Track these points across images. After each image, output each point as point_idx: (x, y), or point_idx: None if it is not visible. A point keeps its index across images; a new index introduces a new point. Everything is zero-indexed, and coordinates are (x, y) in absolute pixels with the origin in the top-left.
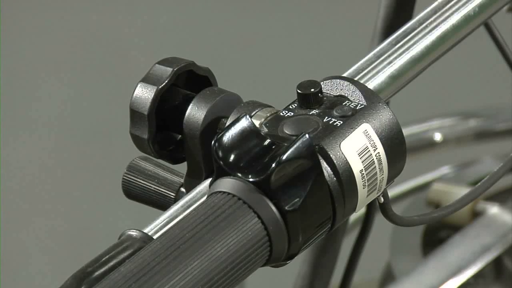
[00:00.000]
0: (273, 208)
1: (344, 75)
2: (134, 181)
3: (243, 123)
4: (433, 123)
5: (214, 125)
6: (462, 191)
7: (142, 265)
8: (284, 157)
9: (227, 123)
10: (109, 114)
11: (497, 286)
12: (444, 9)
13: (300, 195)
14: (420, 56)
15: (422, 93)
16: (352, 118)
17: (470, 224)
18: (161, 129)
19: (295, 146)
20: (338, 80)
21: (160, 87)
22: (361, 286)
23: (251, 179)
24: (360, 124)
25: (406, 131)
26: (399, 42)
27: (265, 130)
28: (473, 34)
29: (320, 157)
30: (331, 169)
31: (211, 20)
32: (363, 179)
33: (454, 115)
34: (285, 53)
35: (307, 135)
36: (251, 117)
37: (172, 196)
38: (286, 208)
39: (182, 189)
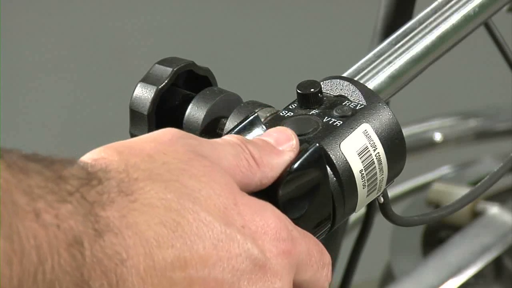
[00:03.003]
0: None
1: (344, 75)
2: None
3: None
4: (433, 123)
5: (214, 125)
6: (462, 191)
7: None
8: (295, 167)
9: (227, 122)
10: (109, 114)
11: (497, 286)
12: (444, 9)
13: (305, 205)
14: (420, 56)
15: (422, 93)
16: (352, 118)
17: (470, 224)
18: (161, 129)
19: (306, 156)
20: (338, 80)
21: (160, 87)
22: (361, 286)
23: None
24: (360, 124)
25: (406, 131)
26: (399, 42)
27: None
28: (473, 34)
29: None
30: (331, 169)
31: (211, 20)
32: (363, 179)
33: (454, 115)
34: (285, 53)
35: (317, 144)
36: (266, 124)
37: None
38: (290, 217)
39: None
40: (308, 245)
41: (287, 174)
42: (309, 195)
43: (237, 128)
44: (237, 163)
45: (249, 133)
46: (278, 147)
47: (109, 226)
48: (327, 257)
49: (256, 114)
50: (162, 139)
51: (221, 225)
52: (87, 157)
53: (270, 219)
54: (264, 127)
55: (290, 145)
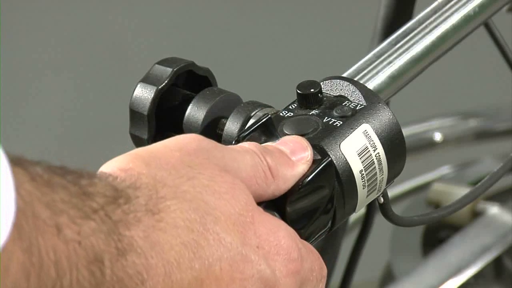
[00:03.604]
0: (277, 216)
1: (344, 75)
2: None
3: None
4: (433, 123)
5: (214, 125)
6: (462, 191)
7: None
8: (307, 181)
9: (227, 122)
10: (109, 114)
11: (497, 286)
12: (444, 9)
13: (310, 217)
14: (420, 56)
15: (422, 93)
16: (352, 118)
17: (470, 224)
18: (161, 129)
19: (318, 171)
20: (338, 80)
21: (160, 87)
22: (361, 286)
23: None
24: (360, 124)
25: (406, 131)
26: (399, 42)
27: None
28: (473, 34)
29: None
30: None
31: (211, 20)
32: (363, 180)
33: (454, 115)
34: (285, 53)
35: (331, 158)
36: (250, 117)
37: None
38: (295, 227)
39: None
40: (312, 261)
41: (298, 188)
42: (316, 207)
43: (251, 131)
44: (254, 174)
45: (263, 137)
46: (293, 157)
47: (133, 246)
48: (325, 271)
49: (269, 116)
50: (187, 149)
51: (238, 245)
52: (114, 166)
53: (283, 239)
54: (277, 132)
55: (305, 156)
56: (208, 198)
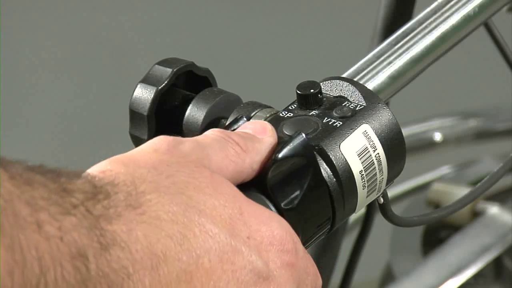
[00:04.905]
0: (271, 207)
1: (344, 75)
2: None
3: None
4: (433, 123)
5: (213, 126)
6: (462, 191)
7: None
8: (280, 155)
9: (227, 124)
10: (109, 115)
11: (497, 286)
12: (444, 9)
13: (297, 193)
14: (419, 56)
15: (422, 93)
16: (351, 118)
17: (470, 224)
18: (161, 129)
19: (290, 144)
20: (338, 80)
21: (159, 87)
22: (361, 286)
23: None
24: (360, 125)
25: (406, 131)
26: (399, 42)
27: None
28: (473, 34)
29: (319, 158)
30: (330, 169)
31: (211, 20)
32: (363, 180)
33: (454, 115)
34: (285, 53)
35: (303, 134)
36: (250, 118)
37: None
38: (283, 206)
39: None
40: (307, 264)
41: (273, 161)
42: (300, 181)
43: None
44: (225, 154)
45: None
46: (257, 136)
47: (116, 240)
48: (320, 281)
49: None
50: (161, 149)
51: (226, 236)
52: (94, 170)
53: (276, 229)
54: (277, 132)
55: (268, 131)
56: (190, 193)
